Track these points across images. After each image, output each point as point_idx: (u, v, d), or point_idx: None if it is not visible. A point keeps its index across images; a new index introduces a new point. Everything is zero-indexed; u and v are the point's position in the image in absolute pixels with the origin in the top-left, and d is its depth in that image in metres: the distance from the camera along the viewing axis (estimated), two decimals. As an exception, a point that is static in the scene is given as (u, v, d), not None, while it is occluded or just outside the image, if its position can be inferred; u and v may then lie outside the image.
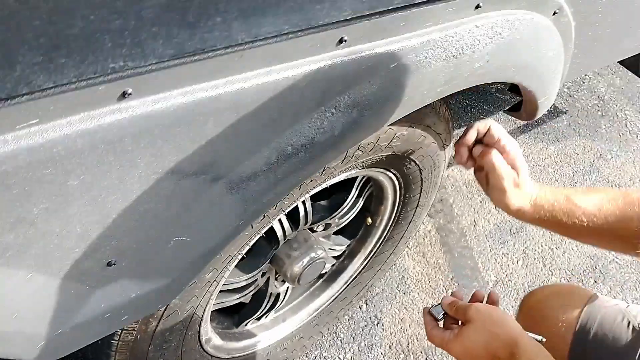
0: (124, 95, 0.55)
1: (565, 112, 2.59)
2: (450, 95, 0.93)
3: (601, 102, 2.69)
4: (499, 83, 1.29)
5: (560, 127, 2.49)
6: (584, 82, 2.81)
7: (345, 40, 0.70)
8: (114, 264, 0.70)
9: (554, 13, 1.01)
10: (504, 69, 0.97)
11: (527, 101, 1.16)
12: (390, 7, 0.71)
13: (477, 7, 0.84)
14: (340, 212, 1.26)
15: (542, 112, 1.21)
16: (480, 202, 2.05)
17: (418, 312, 1.70)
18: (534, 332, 0.87)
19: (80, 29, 0.45)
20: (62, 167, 0.55)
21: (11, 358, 0.68)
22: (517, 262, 1.89)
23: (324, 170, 1.00)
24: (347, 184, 1.25)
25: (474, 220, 1.98)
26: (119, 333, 0.97)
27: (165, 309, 0.96)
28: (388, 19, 0.73)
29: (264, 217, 0.96)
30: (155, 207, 0.67)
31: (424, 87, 0.84)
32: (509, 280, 1.84)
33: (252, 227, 0.96)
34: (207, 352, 1.19)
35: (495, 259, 1.89)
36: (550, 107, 2.19)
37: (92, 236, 0.64)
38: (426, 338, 0.91)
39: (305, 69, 0.68)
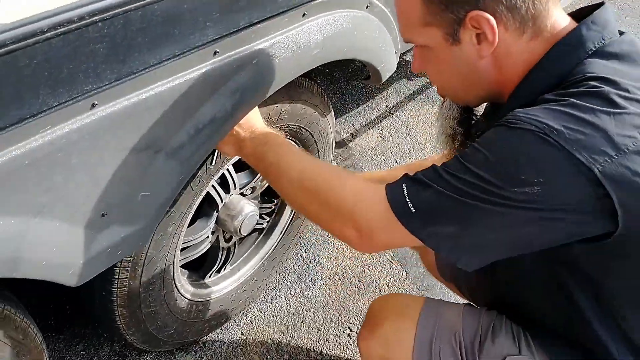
0: (92, 105, 0.98)
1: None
2: (316, 74, 1.38)
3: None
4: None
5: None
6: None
7: (217, 52, 1.15)
8: (106, 215, 1.13)
9: (367, 7, 1.49)
10: (338, 51, 1.43)
11: (371, 69, 1.64)
12: (242, 26, 1.16)
13: (304, 14, 1.30)
14: (260, 176, 1.70)
15: (386, 75, 1.68)
16: (384, 159, 2.54)
17: (347, 250, 2.16)
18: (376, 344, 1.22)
19: (66, 74, 0.89)
20: (65, 151, 0.97)
21: (55, 281, 1.10)
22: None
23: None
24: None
25: (381, 174, 2.46)
26: (116, 283, 1.39)
27: (145, 258, 1.38)
28: (243, 34, 1.18)
29: (199, 181, 1.40)
30: (125, 173, 1.11)
31: (281, 70, 1.30)
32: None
33: (192, 189, 1.40)
34: (183, 296, 1.61)
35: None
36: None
37: (90, 196, 1.07)
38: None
39: (197, 73, 1.12)
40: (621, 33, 0.98)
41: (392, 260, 2.16)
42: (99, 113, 1.00)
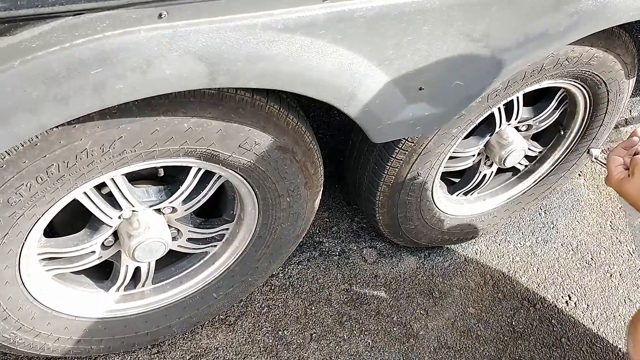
0: (461, -18, 1.09)
1: None
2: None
3: None
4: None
5: None
6: None
7: (577, -32, 1.17)
8: (423, 89, 1.25)
9: None
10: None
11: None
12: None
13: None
14: (541, 117, 1.72)
15: None
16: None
17: (588, 226, 2.09)
18: None
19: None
20: (423, 16, 1.09)
21: (365, 130, 1.25)
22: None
23: (540, 70, 1.47)
24: (549, 97, 1.70)
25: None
26: (391, 162, 1.53)
27: (424, 148, 1.50)
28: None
29: (497, 95, 1.46)
30: (452, 56, 1.21)
31: (619, 10, 1.29)
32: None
33: (487, 101, 1.47)
34: (433, 200, 1.72)
35: (663, 200, 2.20)
36: None
37: (418, 66, 1.19)
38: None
39: (551, -16, 1.17)
40: None
41: (632, 253, 2.05)
42: (461, -9, 1.10)
